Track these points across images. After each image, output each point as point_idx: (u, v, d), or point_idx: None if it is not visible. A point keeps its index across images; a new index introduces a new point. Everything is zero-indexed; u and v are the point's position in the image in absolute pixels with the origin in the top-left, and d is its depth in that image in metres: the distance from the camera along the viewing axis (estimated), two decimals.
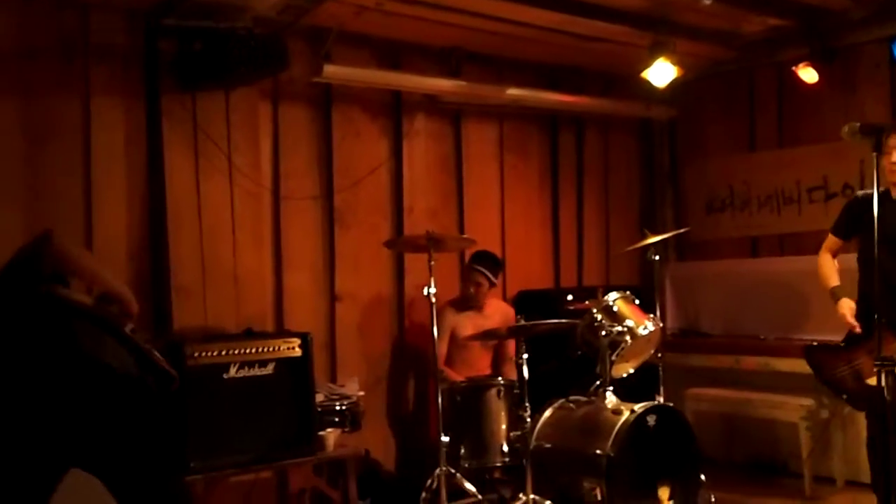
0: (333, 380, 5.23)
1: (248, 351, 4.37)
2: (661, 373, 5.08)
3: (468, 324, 5.36)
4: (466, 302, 5.45)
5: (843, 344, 4.40)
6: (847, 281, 4.48)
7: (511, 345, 5.44)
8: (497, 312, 5.46)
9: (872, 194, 4.26)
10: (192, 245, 4.67)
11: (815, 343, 4.58)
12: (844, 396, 4.42)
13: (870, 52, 5.82)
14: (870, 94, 5.88)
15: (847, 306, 4.34)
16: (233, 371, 4.34)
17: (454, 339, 5.38)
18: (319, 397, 4.66)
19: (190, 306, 4.68)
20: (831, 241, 4.62)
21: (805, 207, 6.19)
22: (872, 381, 4.02)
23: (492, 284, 5.44)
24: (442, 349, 5.28)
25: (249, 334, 4.53)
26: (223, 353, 4.34)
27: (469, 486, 4.62)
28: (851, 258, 4.54)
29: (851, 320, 4.31)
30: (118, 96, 4.50)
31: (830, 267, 4.57)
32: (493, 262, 5.44)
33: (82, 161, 4.41)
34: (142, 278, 4.61)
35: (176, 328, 4.62)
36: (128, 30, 4.53)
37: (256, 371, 4.38)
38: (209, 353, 4.30)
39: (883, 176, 4.28)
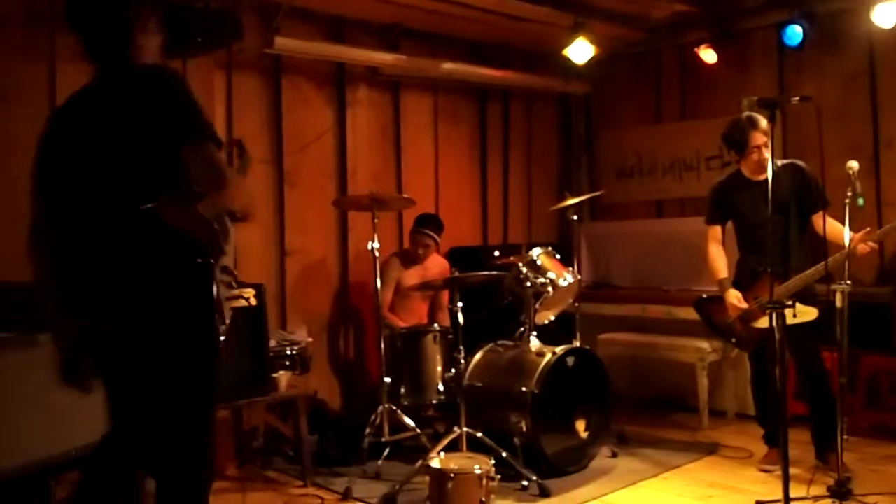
0: (284, 327, 5.24)
1: None
2: (577, 320, 5.20)
3: (412, 275, 5.40)
4: (412, 258, 5.48)
5: None
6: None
7: (445, 295, 5.54)
8: (436, 265, 5.51)
9: (728, 180, 4.52)
10: None
11: (704, 296, 4.65)
12: (733, 340, 4.52)
13: (762, 37, 5.96)
14: (761, 73, 6.04)
15: (734, 296, 4.35)
16: None
17: (398, 289, 5.42)
18: (272, 343, 4.66)
19: None
20: (712, 231, 4.59)
21: (703, 174, 6.34)
22: (758, 324, 4.25)
23: (437, 244, 5.51)
24: (387, 297, 5.31)
25: None
26: None
27: (409, 421, 4.71)
28: None
29: (739, 306, 4.34)
30: (82, 63, 4.38)
31: (717, 258, 4.53)
32: (437, 224, 5.49)
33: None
34: None
35: None
36: None
37: None
38: None
39: (748, 168, 4.42)
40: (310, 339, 4.97)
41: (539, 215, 6.90)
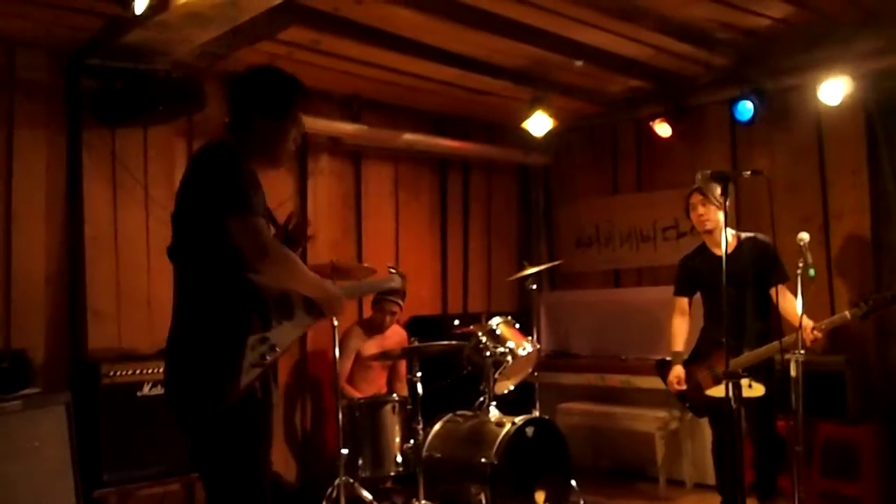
0: None
1: (160, 370, 4.22)
2: (536, 389, 5.19)
3: (373, 345, 5.35)
4: (376, 327, 5.44)
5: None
6: None
7: (403, 365, 5.49)
8: (394, 335, 5.48)
9: (694, 252, 4.62)
10: (108, 270, 4.54)
11: (666, 359, 4.68)
12: (687, 405, 4.60)
13: (715, 112, 6.09)
14: (714, 146, 6.18)
15: (675, 374, 4.46)
16: (146, 389, 4.28)
17: (357, 359, 5.36)
18: None
19: (105, 329, 4.54)
20: (678, 302, 4.65)
21: (660, 244, 6.44)
22: (710, 392, 4.29)
23: (401, 310, 5.48)
24: (346, 368, 5.25)
25: (162, 354, 4.42)
26: (137, 372, 4.27)
27: (366, 494, 4.60)
28: None
29: (676, 387, 4.46)
30: (41, 129, 4.37)
31: (678, 331, 4.61)
32: (402, 292, 5.48)
33: (3, 188, 4.25)
34: (58, 301, 4.46)
35: (91, 349, 4.48)
36: (52, 67, 4.41)
37: None
38: (123, 373, 4.23)
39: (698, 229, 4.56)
40: None
41: (499, 284, 6.91)
